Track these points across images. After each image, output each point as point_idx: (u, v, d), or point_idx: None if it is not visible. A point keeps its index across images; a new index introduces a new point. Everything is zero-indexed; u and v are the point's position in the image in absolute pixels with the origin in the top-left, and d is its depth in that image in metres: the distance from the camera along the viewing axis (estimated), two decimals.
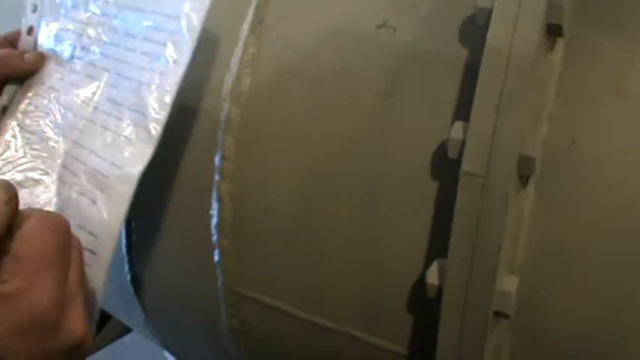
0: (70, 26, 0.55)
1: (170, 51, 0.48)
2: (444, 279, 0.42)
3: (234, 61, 0.52)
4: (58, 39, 0.56)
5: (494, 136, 0.40)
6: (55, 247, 0.38)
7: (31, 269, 0.36)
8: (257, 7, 0.52)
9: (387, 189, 0.46)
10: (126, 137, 0.48)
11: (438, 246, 0.43)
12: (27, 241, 0.37)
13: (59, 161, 0.50)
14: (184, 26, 0.48)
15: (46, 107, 0.53)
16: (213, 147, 0.52)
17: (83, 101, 0.51)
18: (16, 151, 0.52)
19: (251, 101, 0.51)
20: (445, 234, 0.41)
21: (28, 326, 0.35)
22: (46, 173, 0.50)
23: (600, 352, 0.42)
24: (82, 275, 0.40)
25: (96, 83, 0.52)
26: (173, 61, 0.48)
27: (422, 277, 0.44)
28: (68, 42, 0.55)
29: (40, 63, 0.55)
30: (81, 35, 0.55)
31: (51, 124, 0.52)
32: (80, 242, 0.42)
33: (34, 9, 0.58)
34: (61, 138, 0.51)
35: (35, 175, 0.50)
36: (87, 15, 0.55)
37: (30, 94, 0.55)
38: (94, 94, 0.51)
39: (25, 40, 0.58)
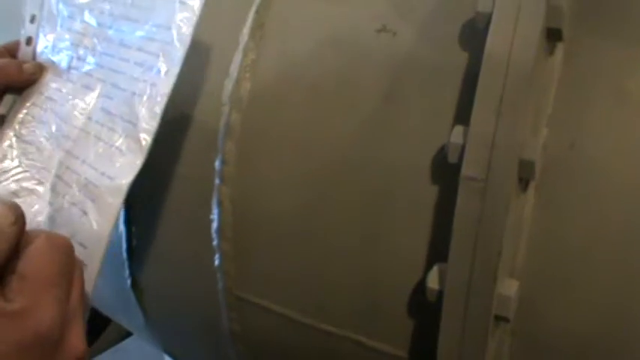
0: (67, 36, 0.56)
1: (161, 61, 0.48)
2: (445, 283, 0.42)
3: (234, 66, 0.52)
4: (55, 49, 0.56)
5: (495, 140, 0.40)
6: (60, 266, 0.39)
7: (36, 288, 0.37)
8: (257, 12, 0.52)
9: (388, 193, 0.46)
10: (117, 148, 0.48)
11: (438, 250, 0.43)
12: (33, 260, 0.38)
13: (53, 171, 0.50)
14: (175, 36, 0.48)
15: (42, 117, 0.53)
16: (214, 151, 0.52)
17: (78, 112, 0.52)
18: (12, 160, 0.52)
19: (251, 106, 0.51)
20: (445, 238, 0.41)
21: (32, 344, 0.36)
22: (40, 183, 0.50)
23: (601, 357, 0.42)
24: (83, 293, 0.41)
25: (91, 94, 0.52)
26: (164, 71, 0.48)
27: (422, 280, 0.44)
28: (65, 52, 0.55)
29: (39, 73, 0.56)
30: (77, 45, 0.55)
31: (46, 135, 0.52)
32: (81, 261, 0.42)
33: (33, 19, 0.58)
34: (55, 148, 0.51)
35: (29, 184, 0.51)
36: (83, 25, 0.55)
37: (28, 104, 0.55)
38: (88, 104, 0.51)
39: (24, 51, 0.58)
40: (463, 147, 0.41)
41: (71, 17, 0.56)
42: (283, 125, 0.50)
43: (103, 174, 0.47)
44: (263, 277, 0.53)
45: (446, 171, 0.43)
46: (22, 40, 0.58)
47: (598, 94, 0.42)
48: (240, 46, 0.52)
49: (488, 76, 0.40)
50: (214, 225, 0.53)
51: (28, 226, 0.44)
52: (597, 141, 0.42)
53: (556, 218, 0.42)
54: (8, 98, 0.55)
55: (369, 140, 0.47)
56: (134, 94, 0.49)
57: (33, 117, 0.54)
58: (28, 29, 0.58)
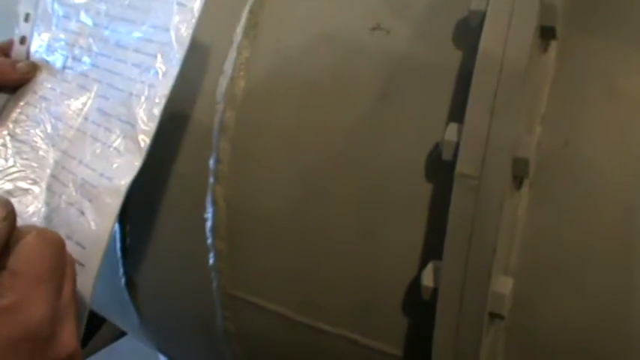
0: (62, 36, 0.55)
1: (159, 63, 0.48)
2: (439, 280, 0.42)
3: (228, 65, 0.52)
4: (50, 49, 0.56)
5: (489, 137, 0.40)
6: (51, 262, 0.39)
7: (27, 284, 0.37)
8: (251, 11, 0.52)
9: (382, 191, 0.46)
10: (115, 148, 0.48)
11: (433, 247, 0.43)
12: (24, 256, 0.38)
13: (48, 171, 0.50)
14: (173, 38, 0.48)
15: (36, 117, 0.53)
16: (208, 150, 0.51)
17: (74, 111, 0.51)
18: (6, 160, 0.52)
19: (245, 104, 0.51)
20: (440, 235, 0.41)
21: (23, 339, 0.36)
22: (35, 183, 0.50)
23: (595, 355, 0.42)
24: (74, 290, 0.41)
25: (87, 94, 0.52)
26: (162, 73, 0.48)
27: (417, 278, 0.44)
28: (60, 52, 0.55)
29: (33, 73, 0.56)
30: (73, 45, 0.55)
31: (41, 134, 0.52)
32: (73, 258, 0.42)
33: (27, 18, 0.58)
34: (50, 148, 0.51)
35: (24, 184, 0.50)
36: (78, 25, 0.55)
37: (21, 103, 0.55)
38: (84, 104, 0.51)
39: (17, 50, 0.58)
40: (457, 144, 0.41)
41: (67, 17, 0.56)
42: (277, 123, 0.50)
43: (101, 175, 0.47)
44: (257, 275, 0.53)
45: (440, 168, 0.43)
46: (16, 39, 0.58)
47: (591, 92, 0.42)
48: (235, 44, 0.52)
49: (482, 73, 0.40)
50: (209, 224, 0.52)
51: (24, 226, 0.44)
52: (591, 139, 0.42)
53: (550, 216, 0.42)
54: (1, 97, 0.55)
55: (364, 138, 0.47)
56: (131, 94, 0.49)
57: (27, 116, 0.54)
58: (22, 28, 0.58)
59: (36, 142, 0.52)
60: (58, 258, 0.40)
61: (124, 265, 0.60)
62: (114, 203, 0.46)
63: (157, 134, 0.47)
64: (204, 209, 0.52)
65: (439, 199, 0.43)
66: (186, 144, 0.53)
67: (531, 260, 0.42)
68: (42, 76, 0.55)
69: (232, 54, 0.51)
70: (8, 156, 0.52)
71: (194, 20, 0.48)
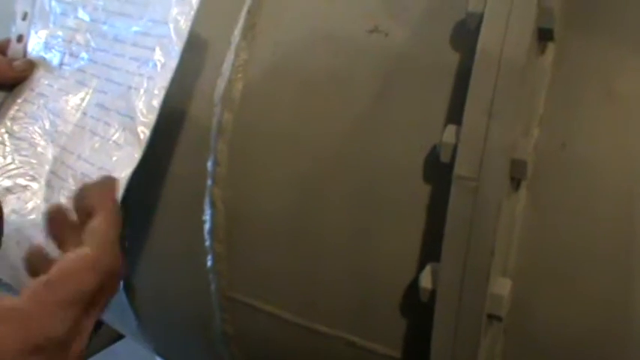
0: (60, 33, 0.56)
1: (158, 55, 0.49)
2: (437, 282, 0.42)
3: (226, 66, 0.52)
4: (47, 46, 0.56)
5: (486, 139, 0.40)
6: (88, 290, 0.37)
7: (57, 302, 0.36)
8: (248, 12, 0.52)
9: (380, 193, 0.46)
10: (114, 142, 0.48)
11: (431, 249, 0.43)
12: (67, 275, 0.37)
13: (47, 167, 0.50)
14: (172, 30, 0.49)
15: (34, 114, 0.53)
16: (206, 152, 0.51)
17: (72, 107, 0.52)
18: (5, 157, 0.52)
19: (243, 106, 0.51)
20: (438, 237, 0.41)
21: (34, 350, 0.35)
22: (34, 179, 0.50)
23: (593, 355, 0.42)
24: (106, 303, 0.40)
25: (85, 89, 0.52)
26: (161, 65, 0.48)
27: (415, 280, 0.44)
28: (57, 49, 0.55)
29: (29, 70, 0.56)
30: (70, 42, 0.55)
31: (39, 131, 0.52)
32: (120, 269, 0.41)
33: (24, 17, 0.58)
34: (49, 144, 0.51)
35: (23, 181, 0.51)
36: (76, 22, 0.55)
37: (19, 101, 0.55)
38: (82, 99, 0.51)
39: (14, 48, 0.58)
40: (455, 146, 0.41)
41: (64, 14, 0.56)
42: (275, 125, 0.50)
43: (100, 168, 0.47)
44: (256, 277, 0.52)
45: (438, 170, 0.43)
46: (13, 38, 0.58)
47: (589, 94, 0.42)
48: (232, 46, 0.52)
49: (479, 76, 0.40)
50: (207, 226, 0.52)
51: (23, 223, 0.44)
52: (588, 141, 0.42)
53: (548, 217, 0.42)
54: None
55: (362, 140, 0.47)
56: (130, 88, 0.49)
57: (25, 113, 0.54)
58: (20, 27, 0.58)
59: (34, 138, 0.52)
60: (99, 284, 0.38)
61: (122, 267, 0.60)
62: None
63: (155, 127, 0.47)
64: (202, 211, 0.52)
65: (437, 201, 0.43)
66: (184, 146, 0.53)
67: (529, 262, 0.42)
68: (39, 74, 0.56)
69: (230, 56, 0.51)
70: (7, 153, 0.53)
71: (192, 13, 0.48)
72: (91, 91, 0.51)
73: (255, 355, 0.57)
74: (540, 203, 0.42)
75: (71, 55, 0.54)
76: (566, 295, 0.42)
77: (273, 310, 0.52)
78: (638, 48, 0.42)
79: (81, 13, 0.55)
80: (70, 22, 0.55)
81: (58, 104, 0.53)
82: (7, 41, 0.58)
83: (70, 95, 0.52)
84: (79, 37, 0.54)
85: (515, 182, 0.42)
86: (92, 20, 0.54)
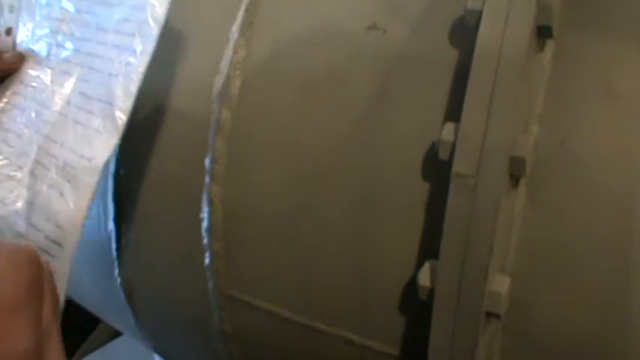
0: (46, 24, 0.56)
1: (137, 41, 0.49)
2: (436, 280, 0.42)
3: (224, 64, 0.52)
4: (34, 38, 0.57)
5: (485, 137, 0.40)
6: (28, 285, 0.35)
7: (4, 315, 0.34)
8: (247, 10, 0.52)
9: (379, 191, 0.46)
10: (95, 129, 0.49)
11: (429, 247, 0.43)
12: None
13: (32, 156, 0.51)
14: (149, 15, 0.49)
15: (22, 105, 0.54)
16: (204, 149, 0.51)
17: (58, 97, 0.52)
18: None
19: (241, 104, 0.51)
20: (436, 235, 0.41)
21: None
22: (20, 169, 0.51)
23: (592, 354, 0.42)
24: (56, 303, 0.39)
25: (69, 79, 0.53)
26: (140, 51, 0.49)
27: (413, 278, 0.44)
28: (44, 40, 0.56)
29: (19, 63, 0.56)
30: (56, 33, 0.55)
31: (26, 121, 0.53)
32: (50, 268, 0.39)
33: (11, 9, 0.58)
34: (34, 133, 0.52)
35: (9, 171, 0.51)
36: (61, 12, 0.56)
37: (8, 93, 0.56)
38: (67, 89, 0.52)
39: (3, 41, 0.58)
40: (454, 144, 0.41)
41: (49, 5, 0.57)
42: (273, 123, 0.50)
43: (81, 156, 0.48)
44: (254, 275, 0.52)
45: (437, 168, 0.43)
46: (2, 31, 0.58)
47: (588, 91, 0.42)
48: (231, 43, 0.51)
49: (478, 73, 0.40)
50: (204, 224, 0.52)
51: (7, 212, 0.44)
52: (587, 138, 0.42)
53: (547, 215, 0.42)
54: None
55: (360, 138, 0.47)
56: (110, 75, 0.49)
57: (14, 105, 0.55)
58: (7, 19, 0.58)
59: (21, 129, 0.53)
60: (35, 278, 0.36)
61: (120, 265, 0.60)
62: (91, 182, 0.47)
63: (149, 129, 0.47)
64: (199, 209, 0.52)
65: (436, 199, 0.43)
66: (182, 144, 0.53)
67: (528, 259, 0.42)
68: (28, 65, 0.56)
69: (228, 53, 0.51)
70: None
71: None
72: (75, 80, 0.52)
73: (254, 353, 0.57)
74: (539, 201, 0.42)
75: (57, 45, 0.55)
76: (564, 292, 0.42)
77: (271, 308, 0.52)
78: (637, 45, 0.42)
79: (65, 3, 0.55)
80: (55, 12, 0.56)
81: (44, 95, 0.53)
82: None
83: (56, 85, 0.53)
84: (64, 27, 0.55)
85: (514, 180, 0.42)
86: (76, 10, 0.55)
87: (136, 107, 0.48)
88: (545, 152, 0.42)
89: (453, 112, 0.42)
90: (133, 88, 0.48)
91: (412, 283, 0.44)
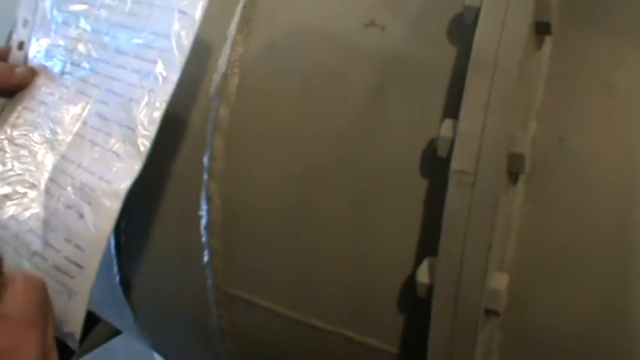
0: (61, 42, 0.56)
1: (160, 68, 0.49)
2: (435, 277, 0.42)
3: (222, 61, 0.52)
4: (48, 54, 0.56)
5: (484, 134, 0.40)
6: (39, 307, 0.41)
7: (18, 329, 0.39)
8: (244, 7, 0.52)
9: (377, 188, 0.46)
10: (114, 152, 0.48)
11: (428, 244, 0.43)
12: (14, 303, 0.39)
13: (47, 174, 0.51)
14: (174, 44, 0.49)
15: (35, 121, 0.54)
16: (202, 147, 0.51)
17: (72, 116, 0.52)
18: (4, 164, 0.53)
19: (239, 101, 0.51)
20: (435, 232, 0.41)
21: None
22: (34, 186, 0.51)
23: (591, 351, 0.42)
24: (54, 325, 0.44)
25: (86, 99, 0.52)
26: (162, 78, 0.48)
27: (412, 275, 0.44)
28: (59, 57, 0.55)
29: (31, 78, 0.56)
30: (72, 51, 0.55)
31: (39, 138, 0.53)
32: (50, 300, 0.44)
33: (25, 24, 0.58)
34: (49, 152, 0.52)
35: (22, 188, 0.51)
36: (78, 31, 0.55)
37: (20, 108, 0.55)
38: (83, 109, 0.52)
39: (15, 55, 0.58)
40: (452, 141, 0.41)
41: (66, 23, 0.56)
42: (271, 120, 0.50)
43: (100, 178, 0.48)
44: (252, 273, 0.52)
45: (435, 165, 0.43)
46: (14, 45, 0.58)
47: (586, 87, 0.42)
48: (228, 41, 0.51)
49: (476, 69, 0.40)
50: (203, 221, 0.52)
51: (21, 230, 0.45)
52: (586, 134, 0.42)
53: (546, 212, 0.42)
54: None
55: (358, 135, 0.47)
56: (131, 99, 0.49)
57: (25, 121, 0.54)
58: (21, 33, 0.58)
59: (34, 146, 0.53)
60: (44, 301, 0.41)
61: (119, 262, 0.60)
62: (113, 206, 0.47)
63: (155, 138, 0.47)
64: (198, 207, 0.52)
65: (434, 196, 0.43)
66: (181, 141, 0.53)
67: (527, 256, 0.42)
68: (40, 81, 0.56)
69: (226, 50, 0.51)
70: (6, 160, 0.53)
71: (195, 28, 0.48)
72: (91, 100, 0.52)
73: (252, 350, 0.57)
74: (538, 197, 0.42)
75: (73, 64, 0.54)
76: (563, 289, 0.42)
77: (269, 305, 0.52)
78: (635, 41, 0.42)
79: (83, 24, 0.55)
80: (72, 31, 0.55)
81: (58, 113, 0.53)
82: (8, 48, 0.58)
83: (71, 104, 0.53)
84: (80, 47, 0.54)
85: (513, 176, 0.42)
86: (94, 31, 0.54)
87: None
88: (543, 148, 0.42)
89: (452, 109, 0.42)
90: (157, 115, 0.48)
91: (411, 281, 0.44)
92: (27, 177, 0.51)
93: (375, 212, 0.46)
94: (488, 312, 0.42)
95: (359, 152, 0.46)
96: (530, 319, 0.43)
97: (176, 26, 0.49)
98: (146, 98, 0.48)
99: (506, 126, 0.39)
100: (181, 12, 0.49)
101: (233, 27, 0.52)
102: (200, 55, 0.52)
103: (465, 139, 0.40)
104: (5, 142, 0.54)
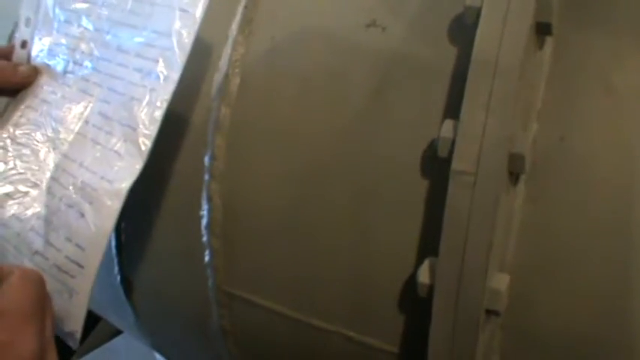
0: (63, 41, 0.56)
1: (161, 67, 0.49)
2: (435, 277, 0.42)
3: (223, 61, 0.52)
4: (51, 53, 0.56)
5: (484, 134, 0.40)
6: (36, 301, 0.41)
7: (15, 324, 0.39)
8: (245, 7, 0.52)
9: (378, 188, 0.46)
10: (115, 151, 0.48)
11: (428, 244, 0.43)
12: (10, 297, 0.40)
13: (48, 174, 0.51)
14: (175, 43, 0.49)
15: (37, 120, 0.54)
16: (203, 147, 0.51)
17: (74, 115, 0.52)
18: (7, 163, 0.53)
19: (240, 101, 0.51)
20: (436, 232, 0.41)
21: None
22: (35, 185, 0.51)
23: (592, 350, 0.42)
24: (53, 322, 0.43)
25: (88, 98, 0.52)
26: (164, 77, 0.49)
27: (413, 275, 0.44)
28: (61, 56, 0.55)
29: (33, 76, 0.56)
30: (74, 50, 0.55)
31: (42, 137, 0.53)
32: (49, 293, 0.44)
33: (28, 22, 0.58)
34: (51, 151, 0.52)
35: (24, 187, 0.51)
36: (80, 30, 0.55)
37: (22, 107, 0.55)
38: (85, 108, 0.52)
39: (18, 54, 0.58)
40: (453, 141, 0.41)
41: (68, 22, 0.56)
42: (272, 120, 0.50)
43: (101, 177, 0.48)
44: (253, 273, 0.52)
45: (436, 165, 0.43)
46: (17, 43, 0.58)
47: (587, 88, 0.42)
48: (230, 41, 0.51)
49: (477, 70, 0.40)
50: (204, 221, 0.52)
51: (23, 229, 0.45)
52: (587, 135, 0.42)
53: (546, 212, 0.42)
54: (2, 101, 0.56)
55: (359, 135, 0.47)
56: (133, 98, 0.49)
57: (28, 119, 0.54)
58: (23, 32, 0.58)
59: (36, 145, 0.53)
60: (42, 295, 0.41)
61: (119, 262, 0.60)
62: (114, 206, 0.47)
63: (156, 138, 0.47)
64: (199, 206, 0.52)
65: (435, 196, 0.43)
66: (181, 141, 0.53)
67: (527, 256, 0.42)
68: (43, 80, 0.56)
69: (227, 50, 0.51)
70: (8, 159, 0.53)
71: (196, 26, 0.48)
72: (93, 99, 0.52)
73: (253, 350, 0.57)
74: (539, 198, 0.42)
75: (75, 63, 0.54)
76: (564, 289, 0.42)
77: (270, 305, 0.52)
78: (635, 41, 0.42)
79: (85, 22, 0.55)
80: (74, 30, 0.55)
81: (60, 111, 0.53)
82: (11, 47, 0.58)
83: (73, 103, 0.53)
84: (83, 46, 0.54)
85: (514, 177, 0.42)
86: (96, 29, 0.54)
87: None
88: (544, 149, 0.42)
89: (452, 109, 0.42)
90: (158, 115, 0.48)
91: (412, 280, 0.44)
92: (29, 176, 0.51)
93: (375, 212, 0.46)
94: (489, 312, 0.42)
95: (360, 152, 0.46)
96: (531, 319, 0.43)
97: (177, 24, 0.49)
98: (147, 97, 0.48)
99: (506, 126, 0.39)
100: (182, 10, 0.49)
101: (234, 27, 0.52)
102: (201, 54, 0.52)
103: (465, 139, 0.40)
104: (8, 140, 0.54)
